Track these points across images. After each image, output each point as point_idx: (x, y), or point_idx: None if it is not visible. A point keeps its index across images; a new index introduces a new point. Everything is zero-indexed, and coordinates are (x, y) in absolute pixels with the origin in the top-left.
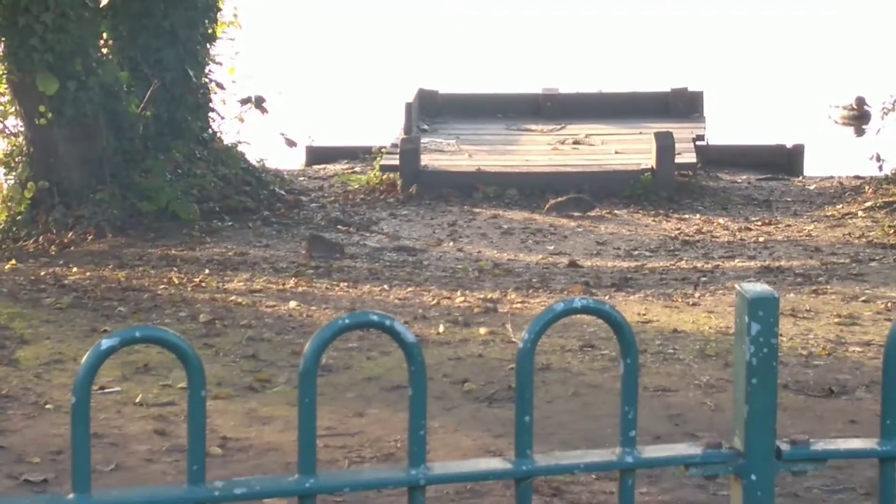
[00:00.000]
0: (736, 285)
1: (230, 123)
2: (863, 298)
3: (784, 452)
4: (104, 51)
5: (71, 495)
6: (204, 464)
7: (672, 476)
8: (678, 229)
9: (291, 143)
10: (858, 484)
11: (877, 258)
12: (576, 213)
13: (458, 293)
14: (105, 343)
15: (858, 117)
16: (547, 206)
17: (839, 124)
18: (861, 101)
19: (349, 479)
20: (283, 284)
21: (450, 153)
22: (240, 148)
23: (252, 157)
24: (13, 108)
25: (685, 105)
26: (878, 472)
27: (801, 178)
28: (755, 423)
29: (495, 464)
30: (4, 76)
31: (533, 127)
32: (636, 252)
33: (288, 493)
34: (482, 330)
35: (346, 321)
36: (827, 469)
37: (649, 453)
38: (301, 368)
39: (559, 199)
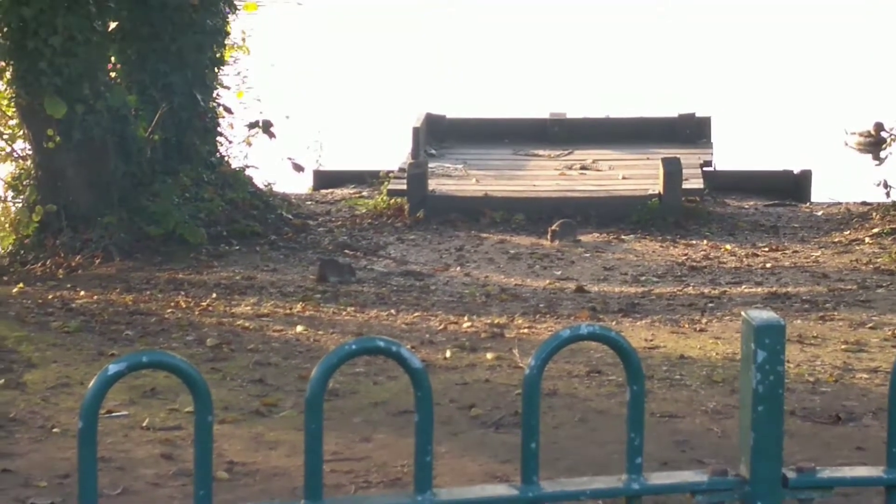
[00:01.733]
0: (742, 312)
1: (238, 147)
2: (870, 325)
3: (790, 480)
4: (112, 74)
5: None
6: (211, 489)
7: (679, 503)
8: (685, 255)
9: (299, 168)
10: None
11: (884, 285)
12: (563, 241)
13: (465, 318)
14: (112, 368)
15: (876, 143)
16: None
17: (856, 150)
18: (879, 127)
19: None
20: (291, 309)
21: (457, 178)
22: (247, 172)
23: (259, 181)
24: (21, 132)
25: (693, 130)
26: (884, 499)
27: (808, 203)
28: (761, 450)
29: (501, 490)
30: (13, 100)
31: (540, 152)
32: (643, 278)
33: None
34: (489, 355)
35: (353, 347)
36: (833, 496)
37: (655, 480)
38: (308, 394)
39: (554, 227)
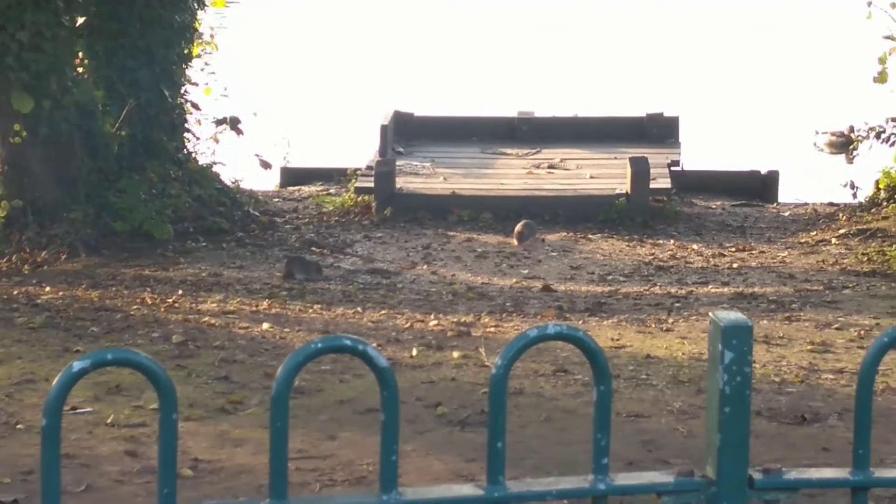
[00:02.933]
0: (710, 313)
1: (205, 144)
2: (836, 326)
3: (756, 481)
4: (80, 70)
5: None
6: (175, 487)
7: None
8: (652, 255)
9: (266, 165)
10: None
11: (850, 286)
12: (528, 241)
13: (432, 316)
14: (76, 365)
15: (847, 144)
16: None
17: (827, 151)
18: (852, 129)
19: None
20: (257, 306)
21: (425, 176)
22: (215, 169)
23: (227, 178)
24: None
25: (660, 130)
26: (850, 501)
27: (775, 204)
28: (727, 451)
29: (467, 490)
30: None
31: (508, 150)
32: (610, 277)
33: None
34: (455, 354)
35: (319, 345)
36: (800, 497)
37: (621, 481)
38: (273, 392)
39: (519, 229)
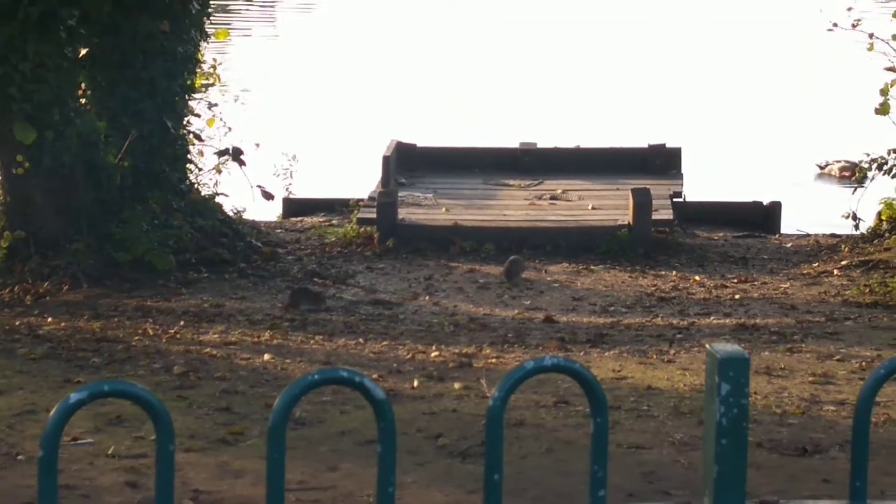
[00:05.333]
0: (707, 345)
1: (208, 175)
2: (837, 357)
3: None
4: (82, 101)
5: None
6: None
7: None
8: (654, 286)
9: (268, 196)
10: None
11: (852, 317)
12: (513, 280)
13: (434, 347)
14: (74, 397)
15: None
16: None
17: (837, 179)
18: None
19: None
20: (259, 337)
21: (427, 207)
22: (217, 200)
23: (229, 209)
24: None
25: (663, 161)
26: None
27: (777, 235)
28: (724, 482)
29: None
30: None
31: (510, 182)
32: (612, 308)
33: None
34: (457, 385)
35: (316, 377)
36: None
37: None
38: (270, 423)
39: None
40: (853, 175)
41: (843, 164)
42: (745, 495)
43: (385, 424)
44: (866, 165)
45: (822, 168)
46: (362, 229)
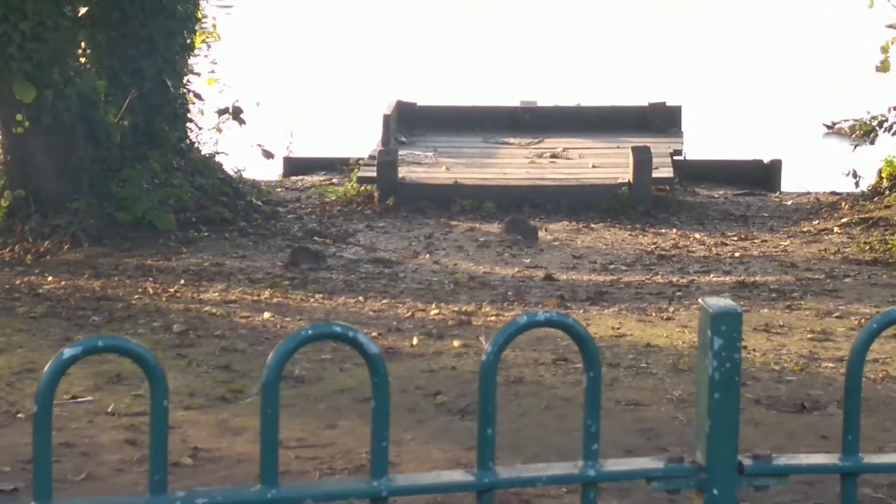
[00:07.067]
0: (700, 300)
1: (208, 134)
2: (836, 314)
3: (746, 467)
4: (82, 60)
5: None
6: (166, 474)
7: (642, 490)
8: (654, 244)
9: (269, 155)
10: (828, 499)
11: (851, 274)
12: (514, 235)
13: (433, 305)
14: (67, 352)
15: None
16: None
17: (847, 136)
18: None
19: (312, 490)
20: (258, 295)
21: (427, 165)
22: (217, 159)
23: (229, 168)
24: None
25: (663, 119)
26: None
27: (778, 193)
28: (717, 437)
29: (458, 476)
30: None
31: (511, 140)
32: (612, 266)
33: None
34: (456, 343)
35: (309, 332)
36: (798, 484)
37: (611, 466)
38: (264, 379)
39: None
40: (859, 133)
41: (851, 122)
42: (738, 450)
43: (378, 379)
44: (867, 123)
45: (829, 128)
46: (363, 188)
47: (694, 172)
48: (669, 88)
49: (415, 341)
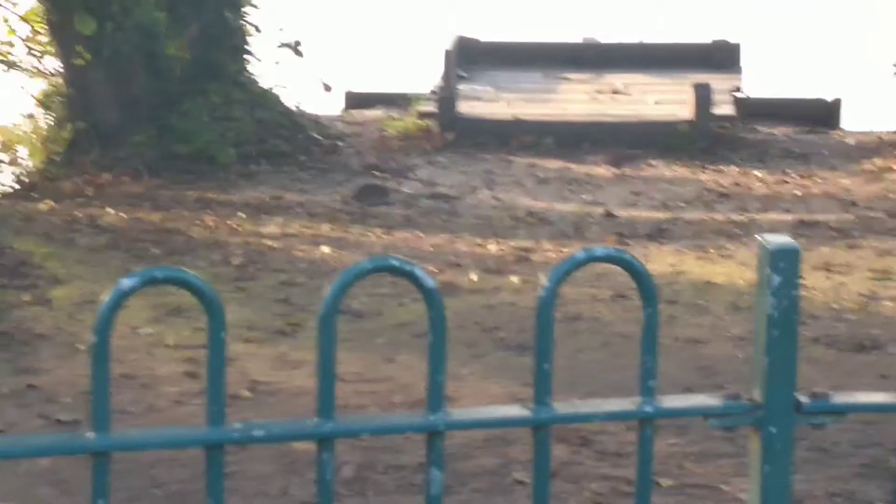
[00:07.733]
0: (758, 236)
1: (267, 66)
2: None
3: (804, 405)
4: None
5: (90, 434)
6: (224, 406)
7: (700, 428)
8: (714, 181)
9: (328, 88)
10: (888, 439)
11: None
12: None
13: (492, 241)
14: (125, 283)
15: None
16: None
17: None
18: None
19: (368, 424)
20: (318, 229)
21: (487, 101)
22: (276, 92)
23: (289, 102)
24: (51, 49)
25: (725, 56)
26: None
27: (840, 131)
28: (775, 375)
29: (514, 411)
30: (43, 16)
31: (571, 76)
32: (671, 203)
33: (306, 437)
34: (515, 278)
35: (367, 265)
36: (856, 424)
37: (668, 403)
38: (321, 312)
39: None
40: None
41: None
42: (796, 388)
43: (435, 313)
44: None
45: None
46: (423, 123)
47: (755, 110)
48: (732, 25)
49: (473, 277)
